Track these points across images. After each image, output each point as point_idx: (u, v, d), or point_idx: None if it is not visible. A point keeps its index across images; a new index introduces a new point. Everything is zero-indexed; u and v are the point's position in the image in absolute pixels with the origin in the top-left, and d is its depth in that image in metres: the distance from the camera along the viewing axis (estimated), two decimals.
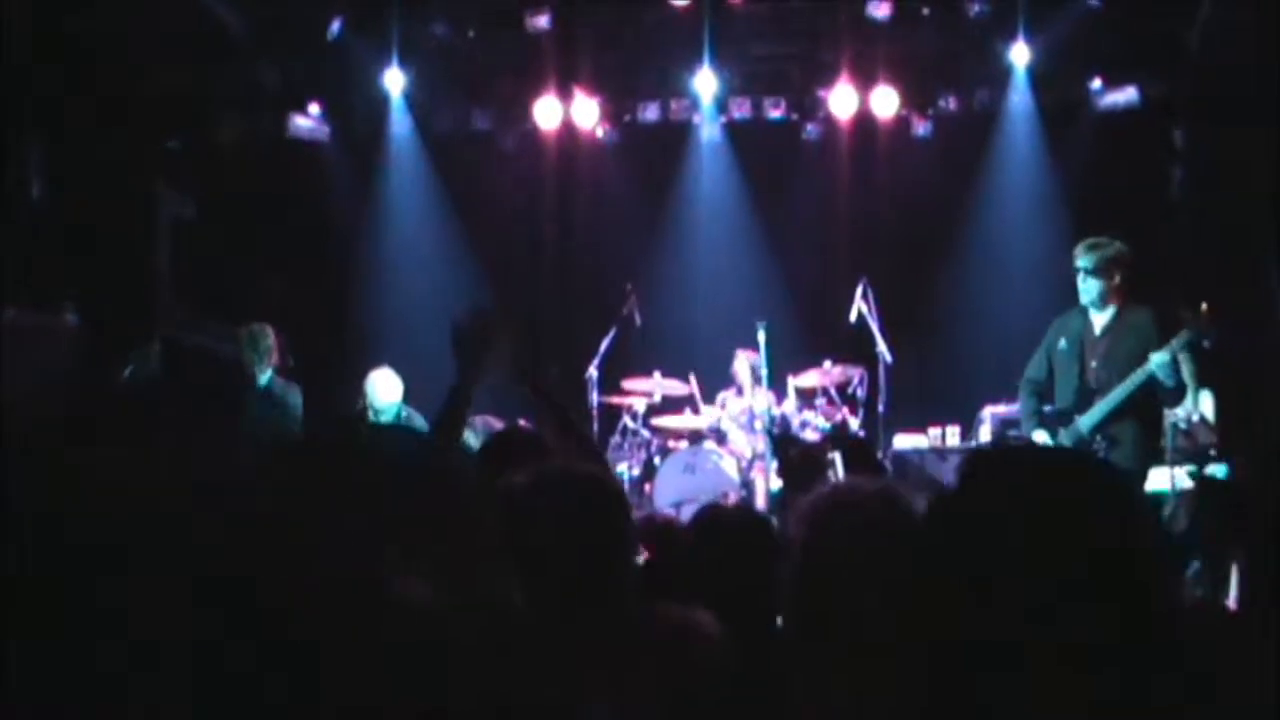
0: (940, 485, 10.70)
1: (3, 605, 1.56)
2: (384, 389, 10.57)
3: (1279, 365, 11.34)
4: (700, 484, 10.83)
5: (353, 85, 13.27)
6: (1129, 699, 1.61)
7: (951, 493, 1.80)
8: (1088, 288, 8.26)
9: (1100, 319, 8.33)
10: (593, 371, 11.60)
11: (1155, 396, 8.22)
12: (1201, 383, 10.32)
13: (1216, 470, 9.20)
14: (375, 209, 13.56)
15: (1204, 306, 8.18)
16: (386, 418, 10.39)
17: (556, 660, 2.61)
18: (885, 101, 12.78)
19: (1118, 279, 8.27)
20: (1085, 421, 8.19)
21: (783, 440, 11.00)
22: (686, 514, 10.03)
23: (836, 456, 11.06)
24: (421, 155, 13.49)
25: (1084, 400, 8.26)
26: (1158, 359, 7.99)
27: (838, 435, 11.19)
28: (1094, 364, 8.27)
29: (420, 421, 10.24)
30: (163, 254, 12.04)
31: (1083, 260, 8.28)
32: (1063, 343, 8.40)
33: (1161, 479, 9.11)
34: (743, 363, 11.80)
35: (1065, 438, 8.18)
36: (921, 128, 13.07)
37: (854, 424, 11.35)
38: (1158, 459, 8.82)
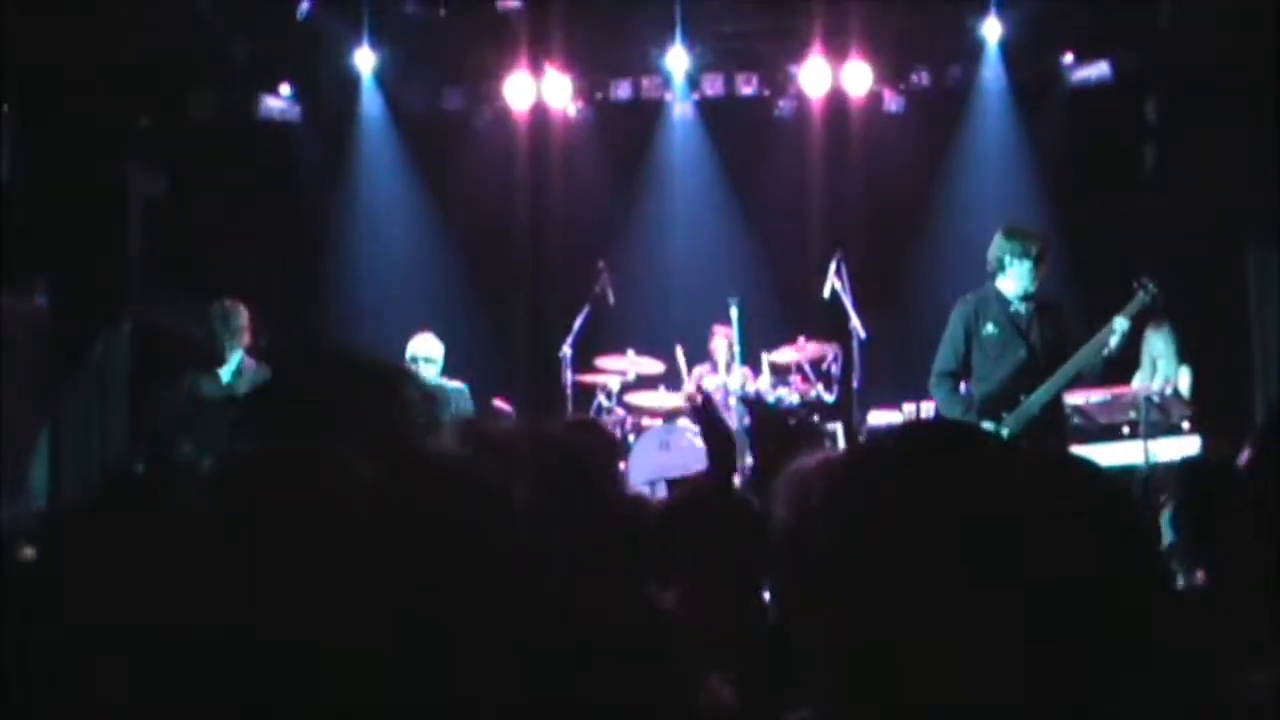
0: None
1: None
2: (426, 345, 10.53)
3: (1249, 340, 11.41)
4: (675, 461, 10.81)
5: (323, 65, 13.20)
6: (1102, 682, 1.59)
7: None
8: (1038, 274, 8.19)
9: (1023, 304, 8.27)
10: (566, 350, 11.57)
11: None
12: (1182, 359, 10.40)
13: (1188, 444, 9.25)
14: (347, 189, 13.51)
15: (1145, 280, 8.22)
16: (432, 369, 10.37)
17: None
18: (858, 77, 12.76)
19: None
20: (1036, 400, 8.08)
21: (760, 407, 11.01)
22: (661, 492, 10.05)
23: (838, 428, 11.11)
24: (393, 135, 13.43)
25: (1029, 380, 8.15)
26: (1119, 322, 8.02)
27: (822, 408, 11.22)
28: (1036, 344, 8.22)
29: (455, 386, 10.39)
30: (134, 233, 11.99)
31: (1036, 249, 8.18)
32: (990, 327, 8.26)
33: (1133, 453, 9.16)
34: (721, 340, 11.79)
35: (1013, 421, 8.05)
36: (894, 103, 13.05)
37: (828, 399, 11.35)
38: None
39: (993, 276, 8.29)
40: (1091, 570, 1.56)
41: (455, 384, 10.47)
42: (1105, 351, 8.05)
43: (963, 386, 8.47)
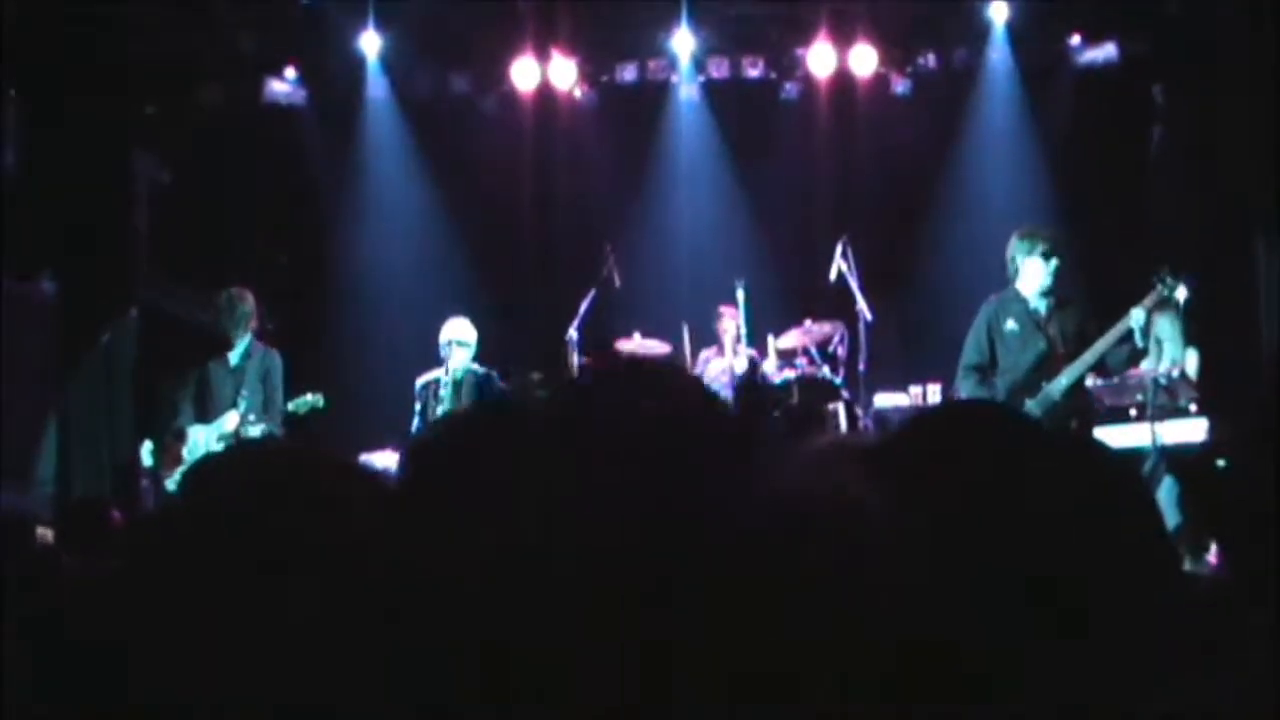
0: None
1: None
2: (460, 329, 10.53)
3: (1258, 323, 11.39)
4: None
5: (329, 48, 13.17)
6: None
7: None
8: (1051, 270, 8.68)
9: (1042, 301, 8.77)
10: (573, 333, 11.56)
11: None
12: (1188, 342, 10.37)
13: (1195, 427, 9.23)
14: (352, 173, 13.49)
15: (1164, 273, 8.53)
16: (465, 354, 10.39)
17: None
18: (864, 60, 12.72)
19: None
20: (1057, 387, 8.58)
21: (750, 388, 11.02)
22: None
23: (840, 408, 11.10)
24: (399, 119, 13.41)
25: (1048, 370, 8.65)
26: (1137, 314, 8.45)
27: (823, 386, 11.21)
28: (1056, 338, 8.69)
29: (486, 372, 10.50)
30: (140, 220, 11.99)
31: (1046, 247, 8.69)
32: (1011, 324, 8.79)
33: (1141, 435, 9.14)
34: (727, 321, 11.76)
35: (1035, 406, 8.48)
36: (900, 86, 13.02)
37: (835, 381, 11.34)
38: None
39: (1013, 278, 8.79)
40: (1101, 555, 1.56)
41: (485, 369, 10.53)
42: (1125, 345, 8.54)
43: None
